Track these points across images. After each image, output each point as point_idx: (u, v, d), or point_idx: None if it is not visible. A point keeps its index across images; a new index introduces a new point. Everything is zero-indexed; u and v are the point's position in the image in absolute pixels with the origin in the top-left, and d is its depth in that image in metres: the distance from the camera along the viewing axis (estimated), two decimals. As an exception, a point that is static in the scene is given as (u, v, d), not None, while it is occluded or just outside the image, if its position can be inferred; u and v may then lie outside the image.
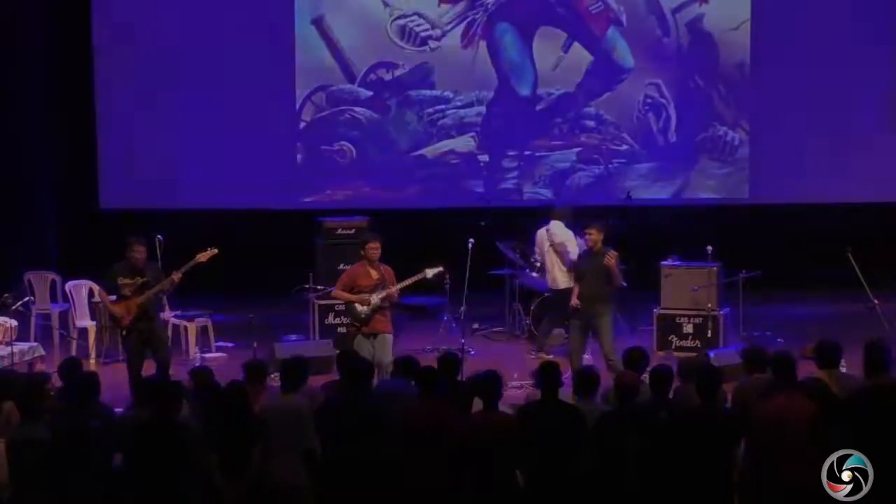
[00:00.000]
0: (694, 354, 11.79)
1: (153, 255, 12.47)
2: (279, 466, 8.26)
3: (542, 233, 14.01)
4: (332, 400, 8.71)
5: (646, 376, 8.99)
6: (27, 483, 7.99)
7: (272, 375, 10.25)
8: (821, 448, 7.83)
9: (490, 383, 8.29)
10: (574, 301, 12.19)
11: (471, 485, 8.04)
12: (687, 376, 8.91)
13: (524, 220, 14.55)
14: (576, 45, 17.11)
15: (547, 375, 8.31)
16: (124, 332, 11.57)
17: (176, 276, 11.44)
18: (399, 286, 12.07)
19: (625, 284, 14.56)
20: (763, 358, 8.94)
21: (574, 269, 12.76)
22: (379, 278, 11.95)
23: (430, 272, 12.37)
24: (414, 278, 12.25)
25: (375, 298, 11.85)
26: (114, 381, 11.17)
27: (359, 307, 11.88)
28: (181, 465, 7.95)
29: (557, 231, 13.81)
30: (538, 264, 14.35)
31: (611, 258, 11.95)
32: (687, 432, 8.02)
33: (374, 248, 11.97)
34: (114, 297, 11.50)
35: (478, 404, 8.40)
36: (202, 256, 11.73)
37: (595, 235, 12.12)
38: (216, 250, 11.78)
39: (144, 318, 11.40)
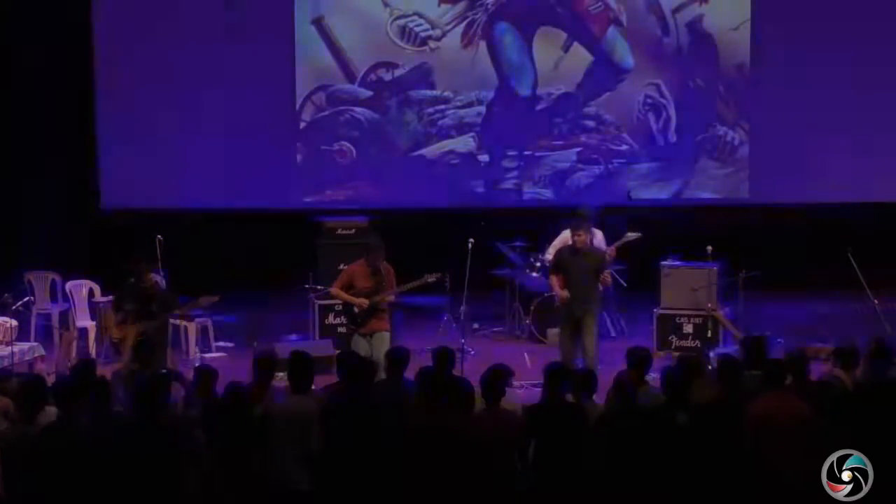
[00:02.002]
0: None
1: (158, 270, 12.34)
2: (284, 469, 8.23)
3: (567, 234, 13.74)
4: (334, 400, 8.68)
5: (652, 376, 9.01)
6: (20, 484, 7.91)
7: (276, 375, 10.23)
8: (814, 447, 7.83)
9: (493, 379, 8.29)
10: (562, 293, 11.99)
11: (472, 484, 8.04)
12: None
13: (524, 220, 14.52)
14: (576, 45, 17.10)
15: (551, 375, 8.33)
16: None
17: (182, 312, 11.39)
18: (398, 290, 12.08)
19: (625, 284, 14.64)
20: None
21: (553, 263, 12.51)
22: (379, 280, 11.95)
23: (430, 278, 12.38)
24: (414, 283, 12.25)
25: (372, 300, 11.86)
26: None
27: (355, 308, 11.90)
28: (168, 461, 7.93)
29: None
30: (538, 264, 14.33)
31: (606, 276, 12.15)
32: (711, 435, 7.98)
33: (379, 259, 12.00)
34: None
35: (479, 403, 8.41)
36: (204, 301, 11.73)
37: (584, 237, 12.20)
38: (217, 298, 11.81)
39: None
